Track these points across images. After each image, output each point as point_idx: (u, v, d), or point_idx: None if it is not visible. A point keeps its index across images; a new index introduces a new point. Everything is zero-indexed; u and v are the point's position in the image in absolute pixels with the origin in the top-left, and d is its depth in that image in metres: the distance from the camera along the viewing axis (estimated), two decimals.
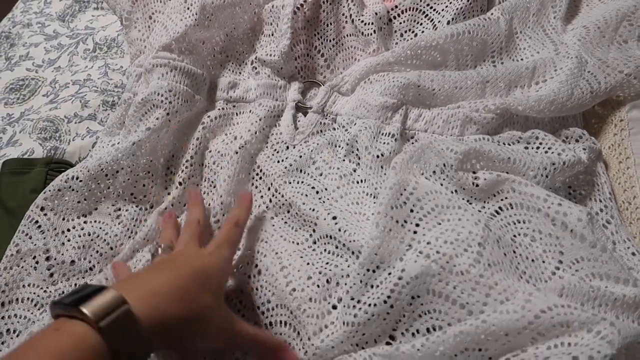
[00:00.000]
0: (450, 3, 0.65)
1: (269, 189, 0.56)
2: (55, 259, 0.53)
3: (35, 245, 0.53)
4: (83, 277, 0.53)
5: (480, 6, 0.66)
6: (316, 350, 0.45)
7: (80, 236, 0.55)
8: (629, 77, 0.59)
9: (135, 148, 0.56)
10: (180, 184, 0.58)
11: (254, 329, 0.44)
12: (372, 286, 0.46)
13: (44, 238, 0.53)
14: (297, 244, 0.53)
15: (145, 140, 0.57)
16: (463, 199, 0.50)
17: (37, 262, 0.52)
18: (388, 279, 0.46)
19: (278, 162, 0.57)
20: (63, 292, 0.52)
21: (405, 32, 0.66)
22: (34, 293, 0.52)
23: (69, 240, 0.54)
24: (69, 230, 0.55)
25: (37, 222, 0.54)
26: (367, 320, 0.45)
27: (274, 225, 0.54)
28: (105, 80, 0.70)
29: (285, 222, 0.54)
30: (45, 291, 0.52)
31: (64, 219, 0.55)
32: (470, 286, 0.44)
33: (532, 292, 0.42)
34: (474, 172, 0.51)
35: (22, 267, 0.52)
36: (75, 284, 0.52)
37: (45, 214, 0.54)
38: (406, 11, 0.66)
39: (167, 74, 0.59)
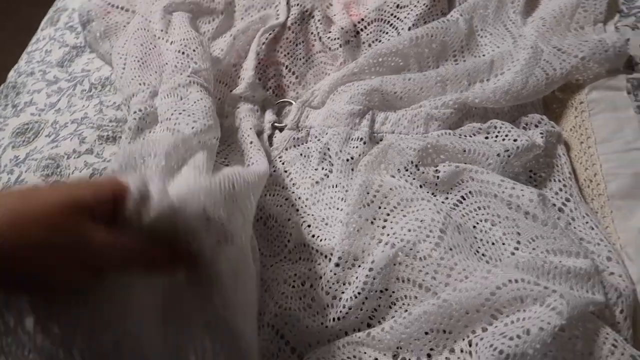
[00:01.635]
0: (411, 10, 0.69)
1: None
2: None
3: None
4: None
5: (440, 10, 0.70)
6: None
7: None
8: (584, 61, 0.60)
9: None
10: None
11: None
12: (349, 283, 0.50)
13: None
14: (273, 256, 0.56)
15: None
16: (428, 192, 0.53)
17: None
18: (361, 273, 0.49)
19: None
20: None
21: (373, 42, 0.70)
22: None
23: None
24: None
25: None
26: (345, 315, 0.48)
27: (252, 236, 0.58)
28: (100, 117, 0.75)
29: (261, 235, 0.57)
30: None
31: None
32: (432, 269, 0.46)
33: (490, 269, 0.45)
34: (435, 166, 0.54)
35: None
36: None
37: None
38: (372, 23, 0.70)
39: (203, 91, 0.60)
